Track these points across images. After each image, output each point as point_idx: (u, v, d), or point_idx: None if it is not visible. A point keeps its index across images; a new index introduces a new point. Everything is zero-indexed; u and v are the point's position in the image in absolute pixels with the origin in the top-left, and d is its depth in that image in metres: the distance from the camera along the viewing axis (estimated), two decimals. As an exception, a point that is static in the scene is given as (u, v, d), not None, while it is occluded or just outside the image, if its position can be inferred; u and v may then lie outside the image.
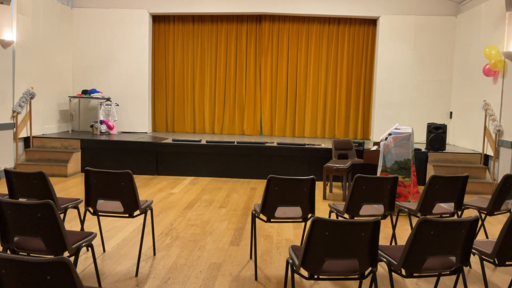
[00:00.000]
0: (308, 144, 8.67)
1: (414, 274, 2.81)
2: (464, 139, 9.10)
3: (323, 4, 10.02)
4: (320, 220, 2.61)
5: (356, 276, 2.80)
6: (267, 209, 3.87)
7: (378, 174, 6.14)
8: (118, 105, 9.93)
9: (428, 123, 8.55)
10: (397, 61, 9.90)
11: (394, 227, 4.54)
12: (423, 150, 8.37)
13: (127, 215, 3.98)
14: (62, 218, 3.50)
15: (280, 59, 10.68)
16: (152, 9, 10.20)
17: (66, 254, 2.85)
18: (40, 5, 8.75)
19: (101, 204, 4.02)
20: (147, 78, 10.28)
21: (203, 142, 8.69)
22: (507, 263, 3.04)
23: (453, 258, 2.84)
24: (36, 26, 8.64)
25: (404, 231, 5.13)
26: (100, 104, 9.60)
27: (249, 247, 4.48)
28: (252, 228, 4.12)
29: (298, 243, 4.50)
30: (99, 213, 4.03)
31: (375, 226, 2.66)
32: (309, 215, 3.94)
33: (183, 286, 3.59)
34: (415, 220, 2.93)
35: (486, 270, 3.21)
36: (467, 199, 4.61)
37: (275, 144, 8.72)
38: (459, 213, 4.53)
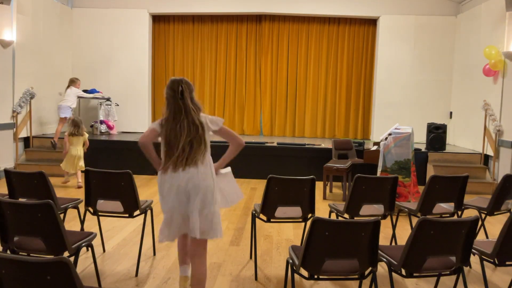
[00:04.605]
0: (308, 144, 8.67)
1: (414, 274, 2.81)
2: (464, 139, 9.10)
3: (323, 4, 10.01)
4: (320, 220, 2.61)
5: (356, 276, 2.80)
6: (267, 209, 3.87)
7: (378, 174, 6.14)
8: (118, 105, 9.92)
9: (428, 123, 8.55)
10: (397, 61, 9.90)
11: (394, 227, 4.54)
12: (423, 150, 8.37)
13: (127, 215, 3.98)
14: (62, 218, 3.49)
15: (280, 59, 10.68)
16: (152, 9, 10.19)
17: (66, 254, 2.85)
18: (40, 5, 8.75)
19: (101, 204, 4.01)
20: (147, 78, 10.28)
21: (203, 142, 8.67)
22: (507, 263, 3.04)
23: (453, 258, 2.84)
24: (36, 26, 8.63)
25: (404, 231, 5.13)
26: (100, 104, 9.59)
27: (249, 247, 4.48)
28: (252, 228, 4.12)
29: (298, 243, 4.50)
30: (99, 213, 4.03)
31: (375, 226, 2.66)
32: (309, 215, 3.93)
33: (183, 286, 3.59)
34: (415, 220, 2.93)
35: (486, 270, 3.20)
36: (467, 199, 4.61)
37: (275, 144, 8.71)
38: (459, 213, 4.53)
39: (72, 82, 8.57)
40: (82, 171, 7.15)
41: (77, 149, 7.12)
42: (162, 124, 3.00)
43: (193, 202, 2.93)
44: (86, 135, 7.26)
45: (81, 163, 7.11)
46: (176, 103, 2.98)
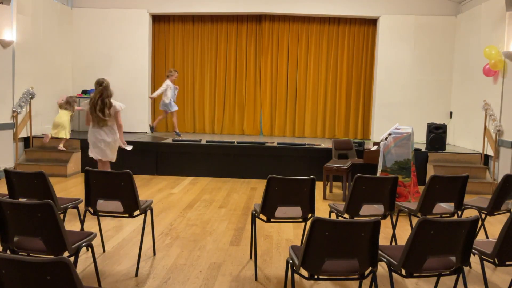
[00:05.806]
0: (308, 144, 8.67)
1: (414, 274, 2.81)
2: (464, 139, 9.10)
3: (323, 4, 10.01)
4: (320, 220, 2.61)
5: (356, 276, 2.80)
6: (267, 209, 3.87)
7: (378, 174, 6.14)
8: (118, 105, 9.92)
9: (428, 123, 8.55)
10: (397, 61, 9.89)
11: (394, 227, 4.54)
12: (423, 150, 8.37)
13: (127, 215, 3.98)
14: (62, 218, 3.50)
15: (280, 59, 10.68)
16: (152, 9, 10.19)
17: (66, 254, 2.85)
18: (40, 5, 8.75)
19: (101, 204, 4.02)
20: (147, 78, 10.27)
21: (203, 142, 8.68)
22: (507, 263, 3.04)
23: (453, 258, 2.84)
24: (36, 26, 8.63)
25: (404, 231, 5.13)
26: (100, 104, 9.58)
27: (249, 247, 4.48)
28: (252, 228, 4.12)
29: (298, 243, 4.50)
30: (99, 213, 4.03)
31: (375, 226, 2.66)
32: (309, 215, 3.93)
33: (183, 286, 3.59)
34: (415, 220, 2.93)
35: (486, 270, 3.20)
36: (467, 199, 4.61)
37: (275, 144, 8.71)
38: (459, 213, 4.53)
39: (168, 73, 9.69)
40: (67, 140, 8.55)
41: (62, 118, 8.28)
42: (90, 101, 5.55)
43: (103, 144, 5.68)
44: (75, 109, 8.71)
45: (65, 131, 8.32)
46: (98, 89, 5.56)
